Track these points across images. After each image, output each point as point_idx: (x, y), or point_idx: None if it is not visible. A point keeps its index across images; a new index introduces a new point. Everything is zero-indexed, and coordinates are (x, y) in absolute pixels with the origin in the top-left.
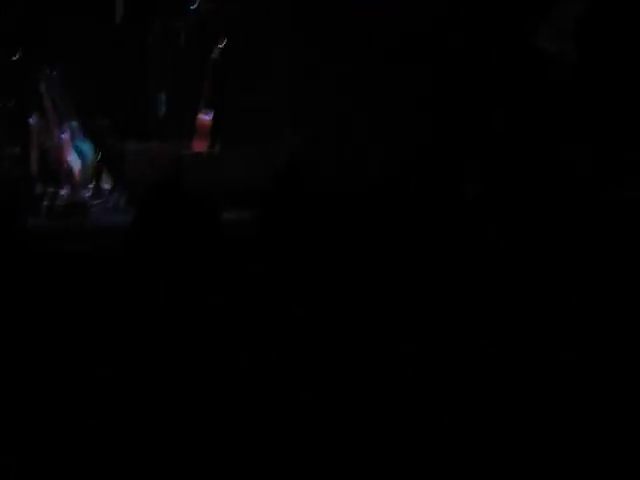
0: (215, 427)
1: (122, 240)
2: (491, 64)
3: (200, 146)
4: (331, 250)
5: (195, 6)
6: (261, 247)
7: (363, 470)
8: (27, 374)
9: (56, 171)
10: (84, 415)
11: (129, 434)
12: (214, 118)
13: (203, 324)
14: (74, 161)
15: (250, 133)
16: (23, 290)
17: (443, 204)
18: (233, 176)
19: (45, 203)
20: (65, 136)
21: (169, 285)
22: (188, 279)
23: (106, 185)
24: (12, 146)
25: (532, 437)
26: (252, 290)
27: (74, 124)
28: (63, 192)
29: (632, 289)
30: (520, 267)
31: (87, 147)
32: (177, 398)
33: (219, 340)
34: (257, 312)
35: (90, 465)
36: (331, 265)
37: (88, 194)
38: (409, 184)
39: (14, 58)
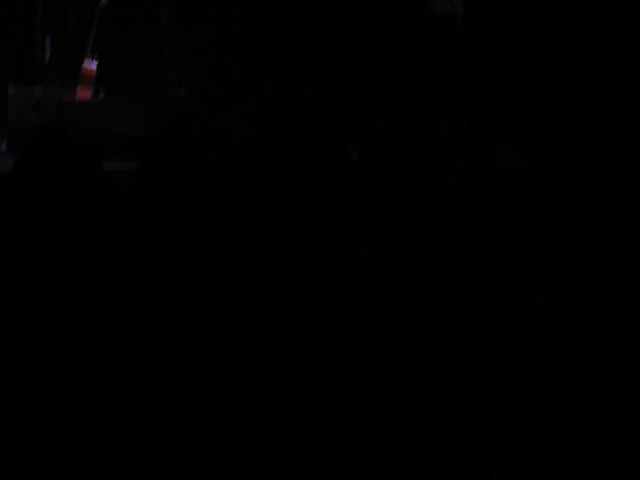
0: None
1: (1, 185)
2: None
3: (84, 94)
4: (216, 201)
5: None
6: (143, 198)
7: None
8: None
9: None
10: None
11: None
12: (99, 66)
13: (78, 276)
14: None
15: (135, 83)
16: None
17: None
18: (116, 125)
19: None
20: None
21: (47, 232)
22: (67, 226)
23: None
24: None
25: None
26: (133, 238)
27: None
28: None
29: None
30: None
31: None
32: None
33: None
34: (136, 264)
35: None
36: (218, 217)
37: None
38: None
39: None
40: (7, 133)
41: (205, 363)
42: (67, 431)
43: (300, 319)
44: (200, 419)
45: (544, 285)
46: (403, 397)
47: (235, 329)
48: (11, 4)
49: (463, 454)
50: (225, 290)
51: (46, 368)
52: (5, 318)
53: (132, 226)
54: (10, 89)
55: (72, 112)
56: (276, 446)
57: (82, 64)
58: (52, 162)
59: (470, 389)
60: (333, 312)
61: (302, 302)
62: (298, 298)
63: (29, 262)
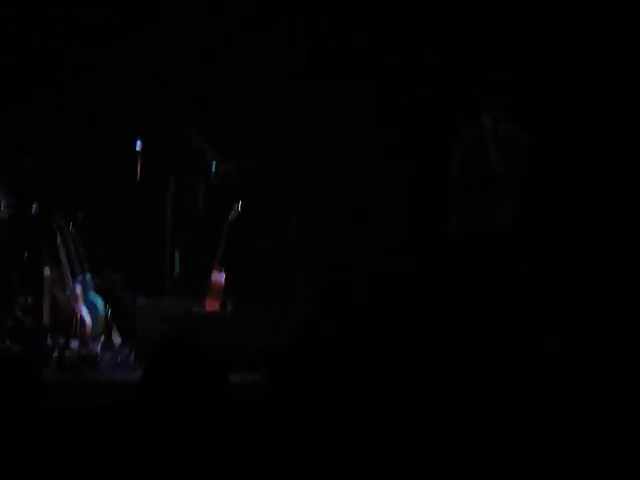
0: None
1: (130, 395)
2: None
3: (212, 305)
4: (342, 422)
5: (214, 167)
6: (270, 412)
7: None
8: None
9: (67, 323)
10: None
11: None
12: (227, 278)
13: None
14: (85, 314)
15: (263, 295)
16: (33, 439)
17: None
18: (244, 337)
19: (55, 354)
20: (77, 289)
21: (174, 442)
22: (193, 438)
23: (116, 339)
24: (25, 296)
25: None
26: (256, 454)
27: (87, 277)
28: (73, 344)
29: None
30: None
31: (99, 301)
32: None
33: None
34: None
35: None
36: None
37: (98, 348)
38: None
39: (30, 210)
40: (136, 344)
41: None
42: None
43: None
44: None
45: None
46: None
47: None
48: (140, 219)
49: None
50: None
51: None
52: None
53: (258, 439)
54: (139, 301)
55: (200, 324)
56: None
57: (210, 276)
58: (180, 374)
59: None
60: None
61: None
62: None
63: (158, 467)
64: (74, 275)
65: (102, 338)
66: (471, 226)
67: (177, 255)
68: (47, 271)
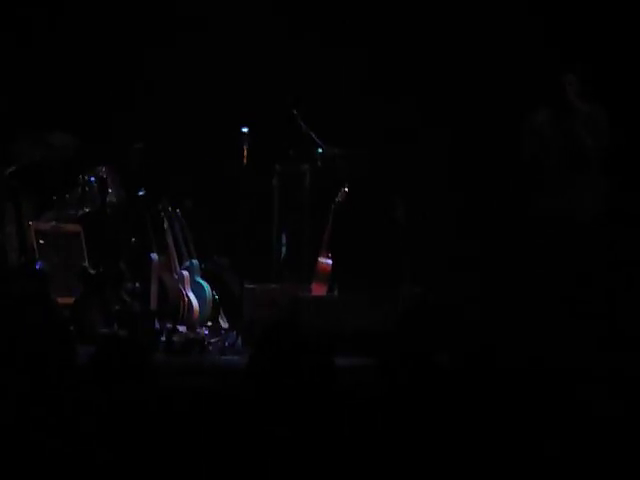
0: None
1: (238, 379)
2: None
3: (319, 290)
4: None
5: (322, 150)
6: (376, 395)
7: None
8: None
9: (175, 308)
10: None
11: None
12: (334, 263)
13: (311, 469)
14: (193, 298)
15: (369, 279)
16: (141, 423)
17: None
18: (351, 321)
19: (163, 339)
20: (185, 273)
21: (282, 425)
22: (300, 422)
23: (223, 324)
24: (133, 281)
25: None
26: (364, 437)
27: (194, 262)
28: (181, 329)
29: None
30: None
31: (206, 285)
32: None
33: None
34: (365, 464)
35: None
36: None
37: (205, 332)
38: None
39: (139, 194)
40: (242, 329)
41: None
42: None
43: None
44: None
45: None
46: None
47: None
48: (249, 202)
49: None
50: None
51: None
52: None
53: (365, 423)
54: (246, 285)
55: (307, 308)
56: None
57: (317, 260)
58: (286, 358)
59: None
60: None
61: None
62: None
63: (266, 453)
64: (181, 260)
65: (209, 322)
66: (556, 211)
67: (284, 239)
68: (154, 256)
